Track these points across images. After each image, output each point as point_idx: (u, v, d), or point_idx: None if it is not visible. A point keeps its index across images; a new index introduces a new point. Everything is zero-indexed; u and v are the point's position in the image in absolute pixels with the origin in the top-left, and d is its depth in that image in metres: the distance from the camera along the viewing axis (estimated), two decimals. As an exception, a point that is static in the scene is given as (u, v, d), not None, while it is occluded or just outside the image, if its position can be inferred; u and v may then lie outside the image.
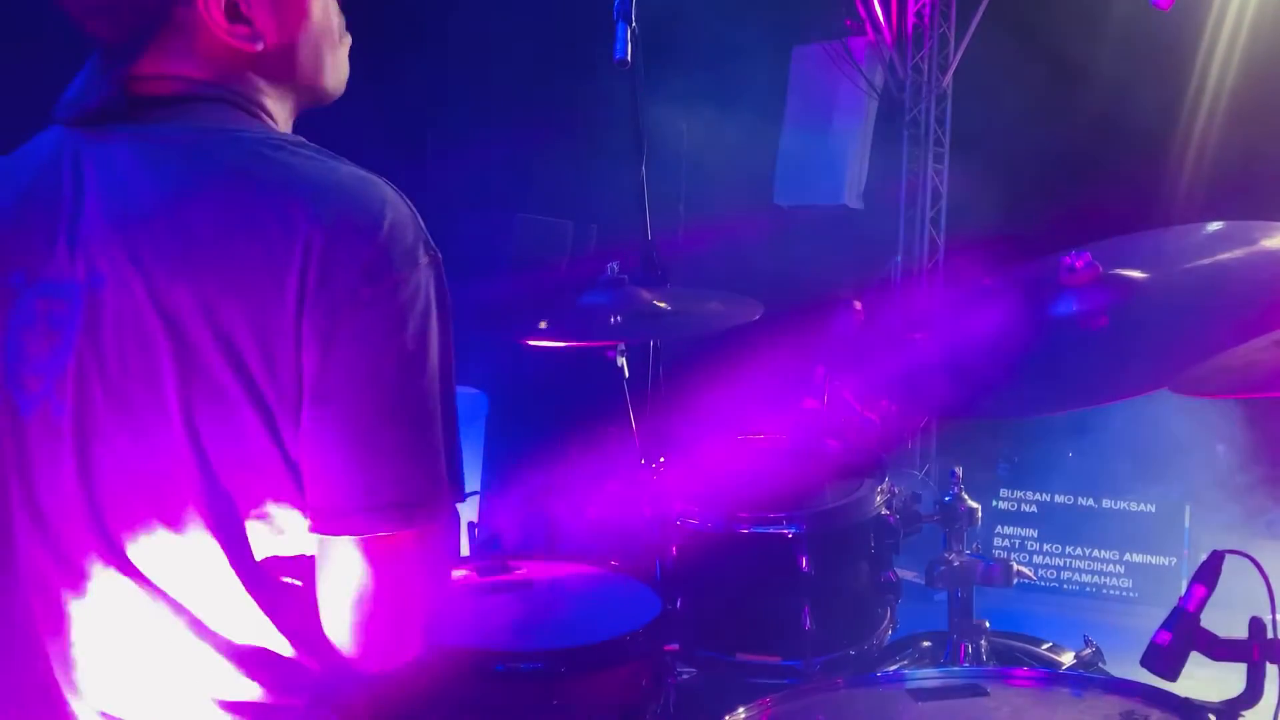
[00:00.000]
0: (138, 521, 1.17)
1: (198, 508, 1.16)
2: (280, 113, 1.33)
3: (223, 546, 1.17)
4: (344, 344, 1.13)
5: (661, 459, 2.65)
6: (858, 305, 5.53)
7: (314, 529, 1.18)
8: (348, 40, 1.40)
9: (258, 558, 1.19)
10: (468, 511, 4.12)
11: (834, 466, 2.61)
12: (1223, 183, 5.58)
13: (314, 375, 1.14)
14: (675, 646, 2.22)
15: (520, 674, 1.96)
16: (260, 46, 1.27)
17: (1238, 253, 1.89)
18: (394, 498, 1.16)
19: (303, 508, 1.19)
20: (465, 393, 5.39)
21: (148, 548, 1.17)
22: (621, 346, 2.74)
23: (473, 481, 5.05)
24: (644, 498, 2.48)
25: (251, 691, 1.20)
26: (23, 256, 1.21)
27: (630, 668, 2.04)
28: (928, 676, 1.82)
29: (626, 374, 2.76)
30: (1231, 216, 2.04)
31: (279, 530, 1.19)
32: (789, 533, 2.30)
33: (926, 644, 2.75)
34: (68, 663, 1.19)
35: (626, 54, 2.60)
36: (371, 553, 1.17)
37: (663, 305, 2.63)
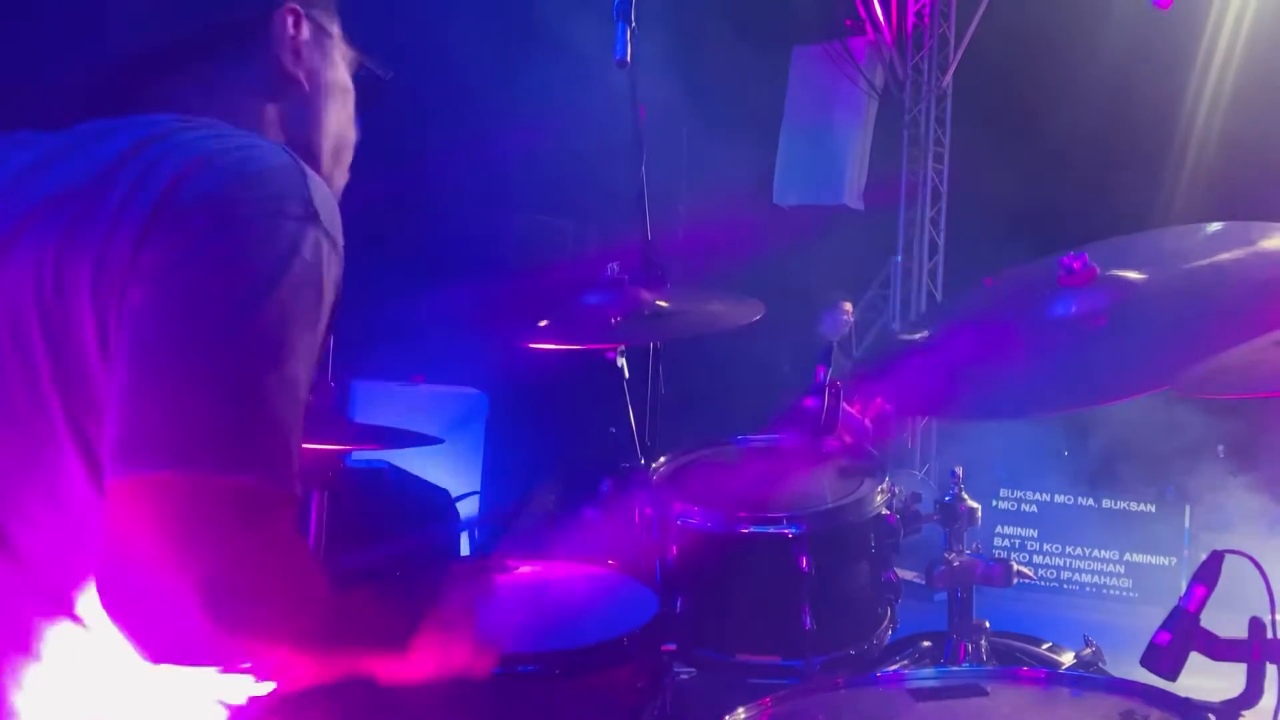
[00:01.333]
0: (35, 520, 1.13)
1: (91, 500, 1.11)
2: None
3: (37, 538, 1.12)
4: (172, 271, 1.07)
5: (661, 459, 2.65)
6: (847, 306, 5.52)
7: (108, 478, 1.06)
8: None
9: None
10: (468, 511, 4.12)
11: (834, 466, 2.60)
12: (1223, 183, 5.58)
13: (135, 307, 1.07)
14: (674, 646, 2.22)
15: (519, 674, 1.96)
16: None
17: (1238, 253, 1.89)
18: (175, 433, 1.04)
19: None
20: (465, 393, 5.39)
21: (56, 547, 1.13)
22: (621, 347, 2.74)
23: (473, 481, 5.05)
24: (644, 498, 2.48)
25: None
26: None
27: (629, 668, 2.04)
28: (928, 676, 1.82)
29: (626, 374, 2.76)
30: (1231, 216, 2.04)
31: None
32: (789, 533, 2.30)
33: (926, 644, 2.75)
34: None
35: (626, 54, 2.60)
36: (148, 492, 1.04)
37: (663, 305, 2.63)
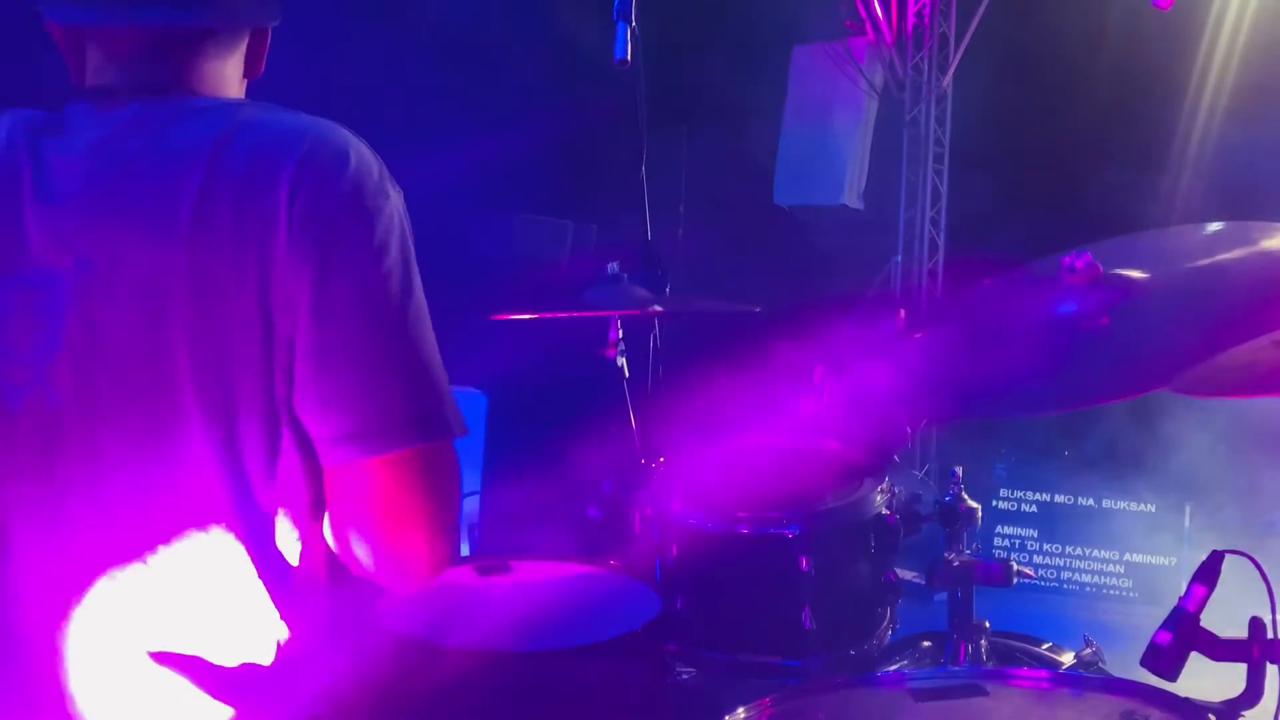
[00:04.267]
0: (149, 501, 1.16)
1: (216, 482, 1.16)
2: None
3: (241, 526, 1.17)
4: (337, 271, 1.17)
5: (661, 459, 2.65)
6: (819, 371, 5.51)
7: (330, 457, 1.20)
8: None
9: (276, 541, 1.20)
10: (468, 511, 4.12)
11: (834, 466, 2.60)
12: (1223, 183, 5.58)
13: (310, 309, 1.17)
14: (674, 646, 2.22)
15: (520, 674, 1.96)
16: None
17: (1238, 253, 1.89)
18: (411, 412, 1.20)
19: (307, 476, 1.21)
20: (465, 393, 5.38)
21: (160, 526, 1.17)
22: (622, 346, 2.74)
23: (473, 481, 5.05)
24: (644, 497, 2.48)
25: (247, 694, 1.19)
26: None
27: (629, 667, 2.04)
28: (928, 676, 1.82)
29: (626, 373, 2.76)
30: (1231, 216, 2.04)
31: (294, 506, 1.21)
32: (789, 533, 2.30)
33: (926, 644, 2.75)
34: (61, 676, 1.18)
35: (626, 54, 2.60)
36: (395, 469, 1.20)
37: (661, 310, 2.63)
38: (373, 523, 1.22)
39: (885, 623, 2.44)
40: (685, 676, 2.43)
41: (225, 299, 1.15)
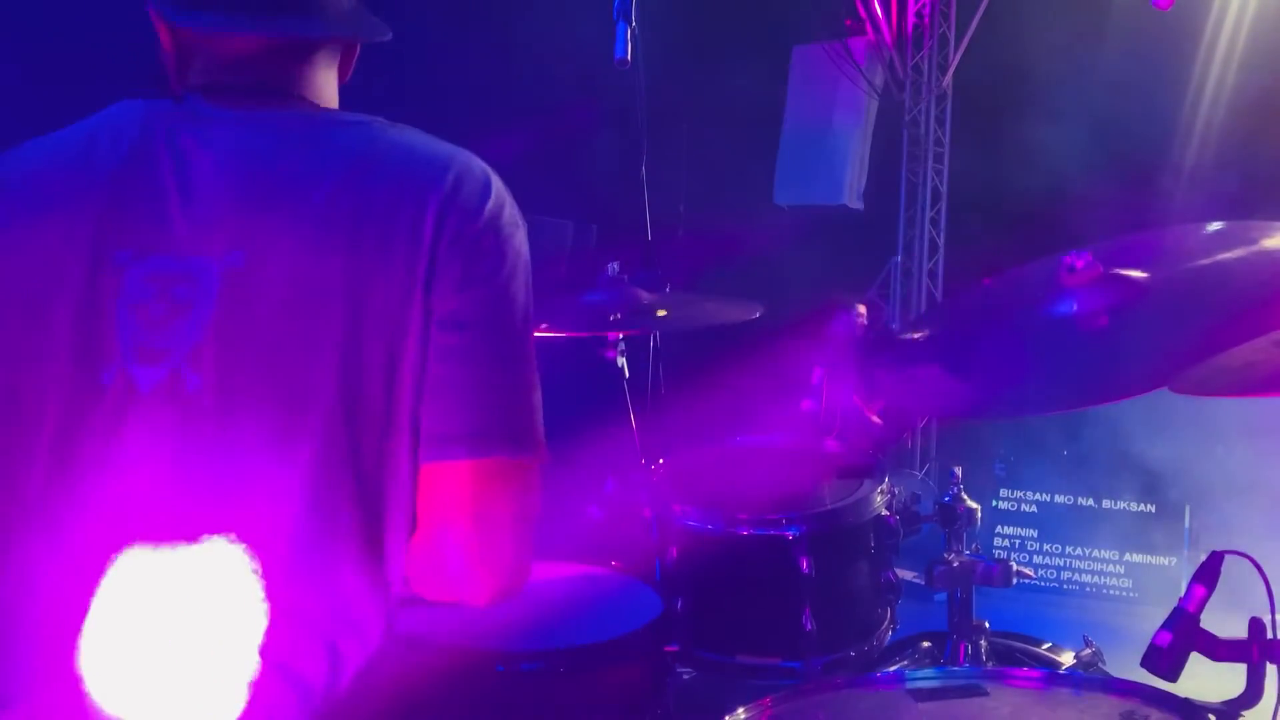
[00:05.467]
0: (279, 488, 1.19)
1: (345, 476, 1.20)
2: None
3: (359, 509, 1.21)
4: (476, 285, 1.25)
5: (661, 459, 2.65)
6: (861, 309, 5.51)
7: (435, 456, 1.24)
8: None
9: (378, 543, 1.23)
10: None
11: (834, 467, 2.60)
12: (1223, 183, 5.58)
13: (445, 314, 1.23)
14: (675, 647, 2.22)
15: (520, 674, 1.96)
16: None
17: (1238, 253, 1.89)
18: (519, 424, 1.27)
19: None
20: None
21: (280, 512, 1.19)
22: (622, 346, 2.74)
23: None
24: (644, 498, 2.48)
25: (311, 685, 1.20)
26: (128, 233, 1.22)
27: (630, 668, 2.04)
28: (928, 676, 1.82)
29: (626, 374, 2.76)
30: (1231, 216, 2.04)
31: (399, 514, 1.24)
32: (789, 534, 2.30)
33: (926, 644, 2.75)
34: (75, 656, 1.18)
35: (626, 54, 2.60)
36: (491, 475, 1.26)
37: (662, 313, 2.63)
38: (467, 524, 1.26)
39: (885, 623, 2.44)
40: (685, 677, 2.43)
41: (374, 306, 1.20)
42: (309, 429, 1.19)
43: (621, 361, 2.74)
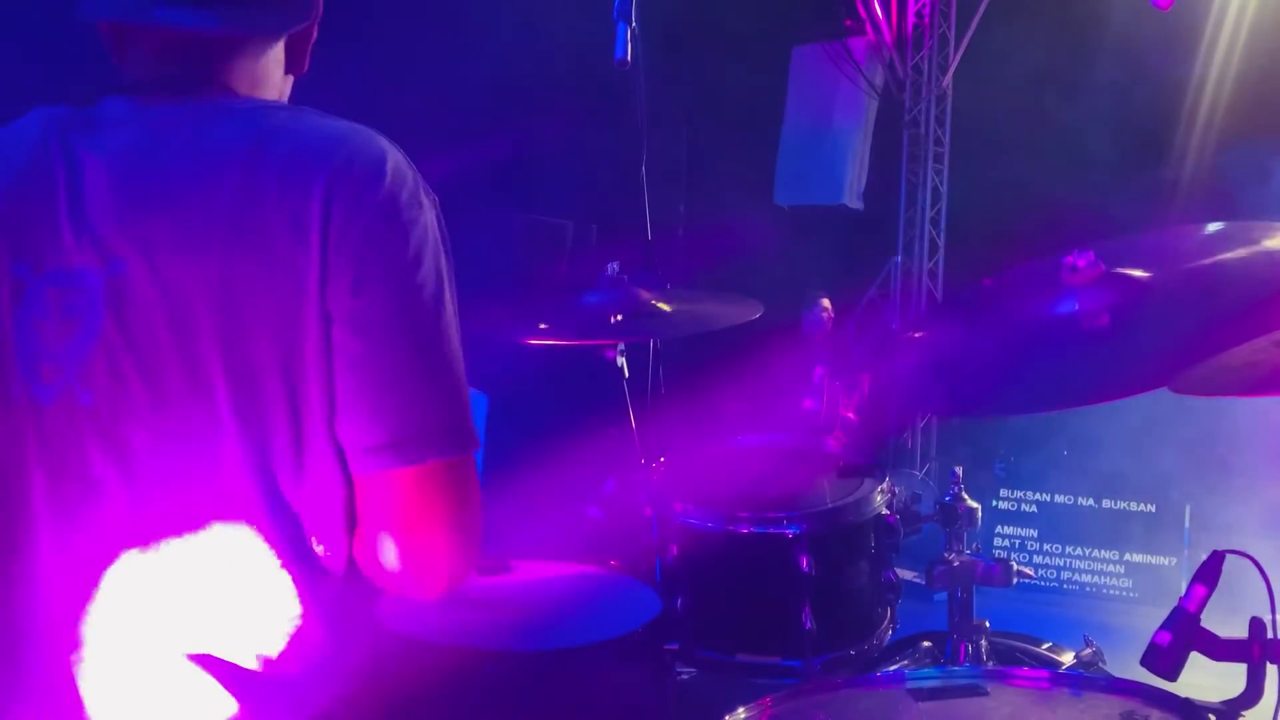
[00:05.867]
0: (178, 498, 1.17)
1: (246, 482, 1.17)
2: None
3: (268, 527, 1.18)
4: (373, 282, 1.17)
5: (661, 459, 2.65)
6: (826, 303, 5.50)
7: (363, 466, 1.20)
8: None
9: (302, 544, 1.20)
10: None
11: (834, 466, 2.60)
12: (1223, 183, 5.58)
13: (345, 317, 1.16)
14: (675, 646, 2.22)
15: (520, 674, 1.96)
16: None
17: (1238, 253, 1.89)
18: (444, 424, 1.21)
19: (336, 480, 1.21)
20: (465, 393, 5.36)
21: (188, 522, 1.17)
22: (621, 346, 2.74)
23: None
24: (644, 498, 2.48)
25: (270, 694, 1.20)
26: (26, 247, 1.20)
27: (630, 668, 2.04)
28: (928, 676, 1.82)
29: (626, 374, 2.76)
30: (1231, 216, 2.04)
31: (323, 511, 1.21)
32: (789, 533, 2.30)
33: (926, 644, 2.75)
34: (77, 671, 1.18)
35: (626, 54, 2.60)
36: (424, 479, 1.21)
37: (664, 307, 2.63)
38: (401, 529, 1.23)
39: (885, 623, 2.44)
40: (685, 676, 2.42)
41: (258, 306, 1.15)
42: (204, 442, 1.16)
43: (621, 361, 2.74)
